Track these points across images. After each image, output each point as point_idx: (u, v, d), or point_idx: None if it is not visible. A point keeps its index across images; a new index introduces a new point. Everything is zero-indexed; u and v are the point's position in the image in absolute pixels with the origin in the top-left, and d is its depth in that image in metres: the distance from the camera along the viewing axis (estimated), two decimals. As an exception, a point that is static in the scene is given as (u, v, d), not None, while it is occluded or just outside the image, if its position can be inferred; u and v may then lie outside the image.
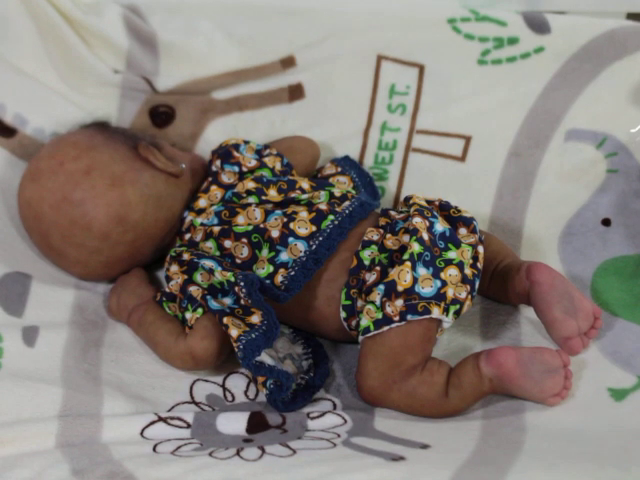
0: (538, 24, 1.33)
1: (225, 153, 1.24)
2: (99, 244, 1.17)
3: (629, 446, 0.95)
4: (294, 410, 1.06)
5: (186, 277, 1.13)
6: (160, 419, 1.02)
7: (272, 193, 1.19)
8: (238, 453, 0.95)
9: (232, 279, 1.07)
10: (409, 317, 1.04)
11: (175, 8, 1.33)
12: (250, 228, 1.14)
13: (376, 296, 1.06)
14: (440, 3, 1.35)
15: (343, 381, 1.12)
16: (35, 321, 1.14)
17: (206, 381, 1.11)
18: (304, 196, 1.18)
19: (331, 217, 1.14)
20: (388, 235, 1.11)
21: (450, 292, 1.06)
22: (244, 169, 1.23)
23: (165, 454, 0.96)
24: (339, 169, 1.29)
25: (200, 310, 1.10)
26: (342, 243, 1.13)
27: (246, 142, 1.26)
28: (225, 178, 1.22)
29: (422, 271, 1.06)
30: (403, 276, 1.05)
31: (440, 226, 1.10)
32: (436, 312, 1.05)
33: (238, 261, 1.13)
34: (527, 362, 1.04)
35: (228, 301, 1.09)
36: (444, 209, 1.15)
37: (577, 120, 1.32)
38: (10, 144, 1.28)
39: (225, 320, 1.07)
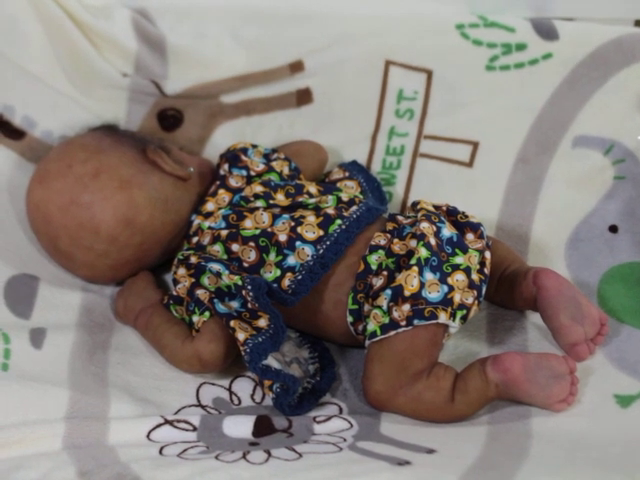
0: (546, 30, 1.33)
1: (233, 157, 1.24)
2: (107, 247, 1.17)
3: (635, 453, 0.95)
4: (300, 414, 1.06)
5: (193, 280, 1.13)
6: (166, 422, 1.02)
7: (280, 197, 1.19)
8: (244, 456, 0.95)
9: (239, 282, 1.07)
10: (416, 322, 1.04)
11: (184, 12, 1.33)
12: (258, 232, 1.14)
13: (383, 301, 1.06)
14: (448, 9, 1.35)
15: (349, 385, 1.12)
16: (42, 323, 1.14)
17: (212, 384, 1.11)
18: (312, 200, 1.18)
19: (338, 221, 1.14)
20: (395, 240, 1.11)
21: (457, 297, 1.06)
22: (252, 173, 1.23)
23: (171, 457, 0.96)
24: (347, 174, 1.30)
25: (207, 313, 1.10)
26: (349, 247, 1.13)
27: (254, 146, 1.27)
28: (233, 182, 1.22)
29: (429, 276, 1.06)
30: (410, 281, 1.05)
31: (447, 231, 1.10)
32: (443, 317, 1.05)
33: (245, 265, 1.13)
34: (533, 368, 1.04)
35: (235, 304, 1.09)
36: (451, 214, 1.15)
37: (585, 127, 1.32)
38: (19, 146, 1.28)
39: (232, 323, 1.07)
